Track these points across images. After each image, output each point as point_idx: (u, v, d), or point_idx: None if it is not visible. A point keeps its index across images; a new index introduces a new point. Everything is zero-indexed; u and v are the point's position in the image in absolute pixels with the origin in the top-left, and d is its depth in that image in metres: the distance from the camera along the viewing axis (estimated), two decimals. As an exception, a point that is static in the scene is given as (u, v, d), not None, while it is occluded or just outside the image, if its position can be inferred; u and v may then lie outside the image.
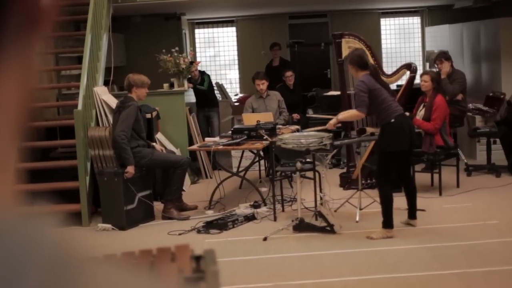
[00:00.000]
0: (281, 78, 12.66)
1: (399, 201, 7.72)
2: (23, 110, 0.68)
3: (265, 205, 8.92)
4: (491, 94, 11.33)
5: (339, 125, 8.29)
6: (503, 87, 11.63)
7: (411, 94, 10.80)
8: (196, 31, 16.74)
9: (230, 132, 9.63)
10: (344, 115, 7.93)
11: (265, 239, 7.54)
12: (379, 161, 7.44)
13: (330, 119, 8.11)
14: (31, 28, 0.66)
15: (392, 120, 7.18)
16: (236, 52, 16.76)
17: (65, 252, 0.63)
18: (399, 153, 7.27)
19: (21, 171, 0.69)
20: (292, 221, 7.82)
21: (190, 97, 12.55)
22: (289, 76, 12.33)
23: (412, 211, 7.72)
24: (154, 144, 9.10)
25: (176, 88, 10.91)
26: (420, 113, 9.35)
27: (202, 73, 12.38)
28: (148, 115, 9.96)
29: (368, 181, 9.70)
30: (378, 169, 7.47)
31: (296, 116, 12.04)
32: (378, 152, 7.59)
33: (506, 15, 12.74)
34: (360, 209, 8.28)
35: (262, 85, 10.88)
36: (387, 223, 7.31)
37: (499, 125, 10.52)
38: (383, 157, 7.34)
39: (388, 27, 16.80)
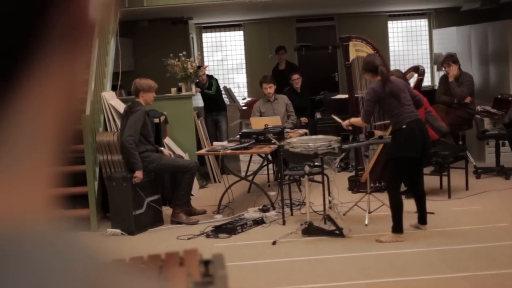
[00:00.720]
0: (288, 82, 12.66)
1: (408, 204, 7.71)
2: (64, 118, 0.69)
3: (274, 209, 8.92)
4: (499, 96, 11.30)
5: (350, 128, 8.33)
6: (511, 89, 11.60)
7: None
8: (204, 35, 16.75)
9: (238, 136, 9.63)
10: (354, 120, 8.06)
11: (274, 243, 7.54)
12: (389, 166, 7.44)
13: (337, 122, 8.23)
14: (76, 38, 0.67)
15: (404, 126, 7.16)
16: (243, 56, 16.77)
17: (97, 258, 0.64)
18: (409, 159, 7.26)
19: (59, 175, 0.70)
20: (301, 225, 7.81)
21: (198, 101, 12.56)
22: (296, 79, 12.32)
23: (422, 217, 7.71)
24: (162, 148, 9.11)
25: (184, 93, 10.93)
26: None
27: (210, 77, 12.38)
28: (156, 120, 9.98)
29: (377, 184, 9.70)
30: (388, 174, 7.47)
31: (304, 119, 12.03)
32: (388, 157, 7.59)
33: (514, 17, 12.72)
34: (369, 212, 8.28)
35: (270, 88, 10.88)
36: (397, 228, 7.29)
37: (508, 127, 10.49)
38: (392, 162, 7.34)
39: (396, 29, 16.79)
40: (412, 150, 7.18)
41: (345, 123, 8.06)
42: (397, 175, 7.33)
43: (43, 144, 0.68)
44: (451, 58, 11.23)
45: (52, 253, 0.61)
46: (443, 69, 11.32)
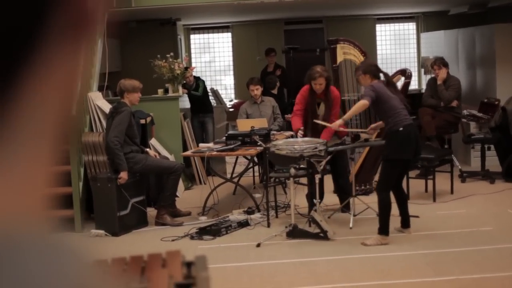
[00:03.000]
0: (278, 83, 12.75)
1: (394, 207, 7.71)
2: (65, 113, 0.68)
3: (259, 211, 8.90)
4: (485, 100, 11.34)
5: (343, 128, 8.26)
6: (498, 93, 11.63)
7: (406, 99, 10.79)
8: (192, 36, 16.73)
9: (224, 138, 9.61)
10: (349, 112, 7.98)
11: (258, 245, 7.53)
12: (383, 169, 7.45)
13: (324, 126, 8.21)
14: (77, 32, 0.66)
15: (401, 129, 7.18)
16: (231, 58, 16.75)
17: (85, 261, 0.64)
18: (403, 162, 7.30)
19: (56, 175, 0.69)
20: (286, 227, 7.81)
21: (185, 102, 12.54)
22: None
23: (405, 220, 7.71)
24: (147, 149, 9.08)
25: (170, 94, 10.91)
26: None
27: (197, 78, 12.37)
28: (143, 121, 9.95)
29: (362, 187, 9.71)
30: (380, 177, 7.48)
31: (288, 117, 12.11)
32: (382, 158, 7.60)
33: (501, 21, 12.75)
34: (354, 215, 8.28)
35: (257, 90, 10.86)
36: (383, 230, 7.30)
37: (494, 131, 10.53)
38: (386, 164, 7.34)
39: (384, 33, 16.80)
40: (407, 153, 7.21)
41: (337, 122, 7.91)
42: (389, 176, 7.33)
43: (44, 143, 0.67)
44: (441, 61, 11.25)
45: (44, 254, 0.60)
46: (433, 71, 11.34)
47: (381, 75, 7.62)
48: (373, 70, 7.56)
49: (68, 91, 0.68)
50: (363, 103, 7.35)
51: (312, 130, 8.66)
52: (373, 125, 8.18)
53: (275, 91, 12.07)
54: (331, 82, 8.85)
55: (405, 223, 7.71)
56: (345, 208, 8.60)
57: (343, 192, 8.78)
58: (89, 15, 0.66)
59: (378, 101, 7.32)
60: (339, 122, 7.88)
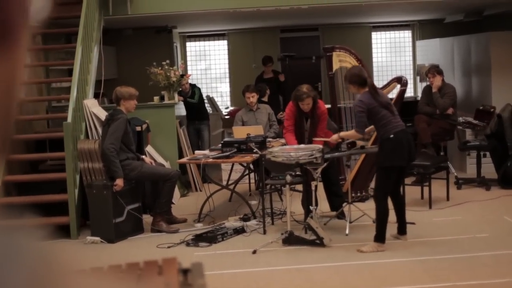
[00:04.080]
0: (273, 90, 12.78)
1: (391, 214, 7.71)
2: (4, 122, 0.67)
3: (255, 218, 8.90)
4: (481, 108, 11.35)
5: (340, 140, 8.34)
6: (493, 101, 11.65)
7: (402, 107, 10.81)
8: (188, 44, 16.73)
9: (220, 145, 9.60)
10: (346, 133, 8.14)
11: (254, 252, 7.52)
12: (377, 177, 7.46)
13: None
14: (7, 37, 0.65)
15: (391, 136, 7.21)
16: (227, 66, 16.75)
17: (48, 266, 0.62)
18: (397, 169, 7.30)
19: (6, 184, 0.68)
20: (282, 234, 7.80)
21: (181, 110, 12.54)
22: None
23: (402, 227, 7.72)
24: (143, 157, 9.07)
25: (166, 101, 10.91)
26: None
27: (193, 86, 12.38)
28: (138, 128, 9.95)
29: (358, 194, 9.71)
30: (376, 184, 7.48)
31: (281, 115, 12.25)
32: (376, 166, 7.61)
33: (497, 29, 12.79)
34: (350, 222, 8.27)
35: (252, 98, 10.87)
36: (380, 237, 7.29)
37: (489, 138, 10.54)
38: (381, 172, 7.36)
39: (379, 40, 16.83)
40: (399, 159, 7.22)
41: (334, 137, 8.08)
42: (385, 184, 7.33)
43: None
44: (436, 69, 11.29)
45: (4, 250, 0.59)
46: (428, 79, 11.37)
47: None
48: (356, 80, 7.55)
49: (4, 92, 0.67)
50: (356, 135, 7.71)
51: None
52: (367, 129, 8.16)
53: (265, 99, 12.03)
54: (317, 98, 8.88)
55: (402, 229, 7.71)
56: (341, 215, 8.61)
57: (336, 195, 8.78)
58: (18, 22, 0.66)
59: (369, 115, 7.38)
60: (335, 137, 8.02)
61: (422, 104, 11.44)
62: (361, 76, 7.56)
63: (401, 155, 7.22)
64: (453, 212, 9.00)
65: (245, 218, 8.82)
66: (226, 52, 16.71)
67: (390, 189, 7.48)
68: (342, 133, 8.15)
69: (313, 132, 8.63)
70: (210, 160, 9.11)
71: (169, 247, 7.99)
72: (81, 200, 8.88)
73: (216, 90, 16.75)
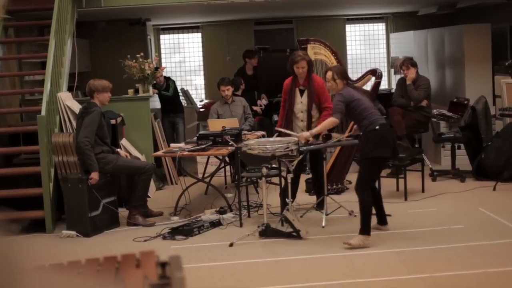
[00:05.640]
0: (254, 87, 12.81)
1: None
2: None
3: (231, 211, 8.89)
4: (455, 100, 11.41)
5: (311, 139, 8.04)
6: (467, 93, 11.73)
7: (376, 99, 10.86)
8: (162, 37, 16.66)
9: (196, 138, 9.57)
10: (319, 127, 7.85)
11: (231, 245, 7.51)
12: (362, 168, 7.36)
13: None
14: None
15: (377, 127, 7.19)
16: (201, 58, 16.70)
17: (5, 261, 0.60)
18: (382, 160, 7.31)
19: None
20: (258, 226, 7.79)
21: (155, 103, 12.50)
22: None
23: (382, 216, 7.74)
24: (118, 150, 9.02)
25: (141, 94, 10.86)
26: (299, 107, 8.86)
27: (167, 79, 12.33)
28: (113, 121, 9.89)
29: (334, 186, 9.73)
30: (360, 176, 7.33)
31: (259, 104, 12.32)
32: (361, 158, 7.51)
33: (470, 22, 12.87)
34: (326, 214, 8.29)
35: (227, 91, 10.86)
36: (366, 229, 7.22)
37: (463, 130, 10.60)
38: (366, 163, 7.27)
39: (353, 33, 16.86)
40: (386, 150, 7.22)
41: (304, 135, 7.91)
42: (370, 175, 7.29)
43: None
44: (410, 61, 11.33)
45: None
46: (402, 71, 11.41)
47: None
48: (346, 76, 7.65)
49: None
50: (333, 120, 7.46)
51: (288, 121, 8.71)
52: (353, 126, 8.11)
53: (239, 93, 11.98)
54: (313, 69, 8.92)
55: (382, 220, 7.73)
56: (320, 206, 8.58)
57: (321, 186, 8.71)
58: None
59: (350, 108, 7.35)
60: (306, 134, 7.90)
61: (396, 96, 11.49)
62: (346, 71, 7.73)
63: (387, 146, 7.22)
64: (429, 203, 9.04)
65: (221, 211, 8.81)
66: (200, 45, 16.66)
67: (375, 180, 7.49)
68: (314, 130, 7.90)
69: (310, 105, 8.63)
70: (186, 153, 9.08)
71: (145, 240, 7.96)
72: (56, 194, 8.82)
73: (191, 83, 16.71)
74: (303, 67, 8.66)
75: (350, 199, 8.78)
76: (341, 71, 7.59)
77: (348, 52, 16.67)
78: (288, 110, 8.78)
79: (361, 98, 7.38)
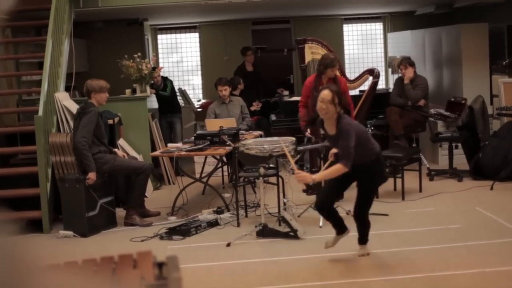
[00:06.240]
0: (256, 83, 12.80)
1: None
2: None
3: (228, 211, 8.89)
4: (452, 100, 11.42)
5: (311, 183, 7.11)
6: (464, 93, 11.74)
7: (374, 99, 10.89)
8: (159, 36, 16.66)
9: (193, 138, 9.57)
10: (323, 174, 6.55)
11: (228, 245, 7.51)
12: (368, 193, 6.75)
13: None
14: None
15: (378, 153, 6.61)
16: (199, 58, 16.70)
17: (15, 261, 0.60)
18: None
19: None
20: (256, 226, 7.79)
21: (153, 103, 12.49)
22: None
23: (341, 225, 7.00)
24: (116, 150, 9.01)
25: (138, 94, 10.86)
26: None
27: (165, 79, 12.33)
28: (110, 121, 9.90)
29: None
30: (366, 202, 6.77)
31: (256, 104, 12.30)
32: (371, 186, 6.80)
33: (467, 21, 12.87)
34: (324, 214, 8.27)
35: (225, 91, 10.86)
36: (366, 239, 7.00)
37: (461, 130, 10.60)
38: (374, 190, 6.99)
39: (351, 33, 16.86)
40: (385, 175, 6.90)
41: (307, 178, 6.46)
42: (372, 200, 6.82)
43: None
44: (407, 61, 11.33)
45: None
46: (399, 71, 11.41)
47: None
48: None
49: None
50: (342, 169, 6.29)
51: (311, 124, 8.03)
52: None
53: (236, 93, 11.98)
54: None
55: (342, 227, 7.02)
56: None
57: None
58: None
59: (358, 143, 6.40)
60: (308, 178, 6.47)
61: (394, 95, 11.49)
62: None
63: (384, 171, 6.89)
64: (426, 203, 9.05)
65: (219, 211, 8.81)
66: (197, 44, 16.66)
67: None
68: (317, 177, 6.51)
69: None
70: (183, 153, 9.08)
71: (142, 240, 7.95)
72: (53, 194, 8.82)
73: (188, 83, 16.71)
74: (335, 72, 9.01)
75: (347, 199, 8.78)
76: (340, 95, 6.61)
77: (346, 51, 16.68)
78: (313, 109, 7.94)
79: (365, 131, 6.75)
